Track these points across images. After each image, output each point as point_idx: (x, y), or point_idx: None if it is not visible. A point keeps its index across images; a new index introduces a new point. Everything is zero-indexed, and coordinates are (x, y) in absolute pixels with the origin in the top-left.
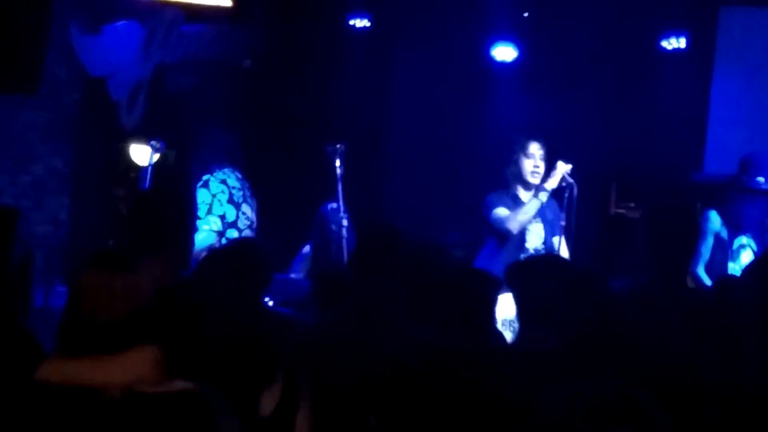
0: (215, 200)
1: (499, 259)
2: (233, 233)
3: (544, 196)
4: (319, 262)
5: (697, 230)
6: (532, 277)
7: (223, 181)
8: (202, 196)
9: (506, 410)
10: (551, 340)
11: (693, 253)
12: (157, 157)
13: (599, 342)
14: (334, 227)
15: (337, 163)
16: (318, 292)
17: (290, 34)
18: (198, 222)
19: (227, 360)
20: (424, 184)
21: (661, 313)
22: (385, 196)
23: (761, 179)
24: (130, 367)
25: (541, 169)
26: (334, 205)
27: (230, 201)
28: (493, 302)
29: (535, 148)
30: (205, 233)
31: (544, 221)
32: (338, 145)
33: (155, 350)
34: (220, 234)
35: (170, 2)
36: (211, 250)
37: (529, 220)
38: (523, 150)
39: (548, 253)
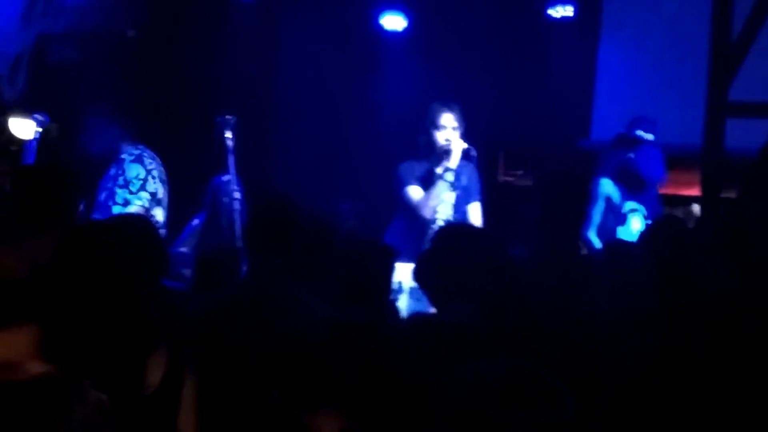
0: (149, 176)
1: (413, 231)
2: (159, 212)
3: (450, 176)
4: (209, 234)
5: (588, 196)
6: (445, 250)
7: (153, 157)
8: (136, 170)
9: (407, 385)
10: (464, 314)
11: (584, 219)
12: (40, 131)
13: (506, 314)
14: (225, 199)
15: (228, 134)
16: (201, 273)
17: (176, 3)
18: (130, 197)
19: (107, 331)
20: (316, 155)
21: (555, 281)
22: (277, 168)
23: (640, 132)
24: (7, 346)
25: (454, 137)
26: (227, 177)
27: (161, 178)
28: (389, 273)
29: (446, 120)
30: (136, 208)
31: (457, 189)
32: (228, 117)
33: (35, 329)
34: (147, 211)
35: None
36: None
37: (440, 200)
38: (433, 122)
39: (460, 224)
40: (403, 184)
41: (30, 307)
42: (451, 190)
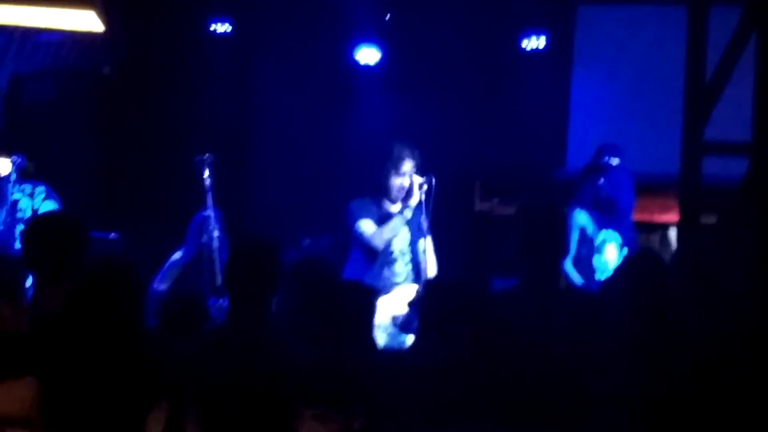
0: None
1: (371, 269)
2: None
3: (408, 213)
4: (190, 272)
5: (567, 228)
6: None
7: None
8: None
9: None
10: (440, 353)
11: (564, 252)
12: (15, 173)
13: (484, 352)
14: (204, 237)
15: (206, 173)
16: (170, 318)
17: (150, 40)
18: None
19: (107, 389)
20: (292, 190)
21: (536, 317)
22: (254, 203)
23: (607, 158)
24: (5, 399)
25: (407, 184)
26: (207, 213)
27: None
28: (371, 313)
29: (407, 167)
30: None
31: (410, 224)
32: (206, 155)
33: (32, 382)
34: None
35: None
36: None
37: (395, 235)
38: (395, 166)
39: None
40: (355, 219)
41: (30, 361)
42: (405, 226)
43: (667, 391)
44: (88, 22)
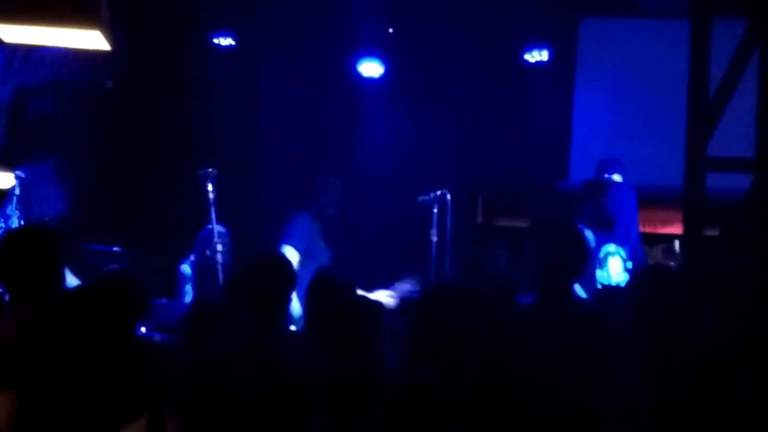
0: None
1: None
2: None
3: None
4: (196, 285)
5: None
6: (423, 310)
7: None
8: None
9: None
10: (439, 373)
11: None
12: (19, 187)
13: (491, 372)
14: (207, 252)
15: (210, 187)
16: (194, 325)
17: (153, 53)
18: None
19: (81, 400)
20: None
21: (553, 333)
22: (259, 216)
23: (608, 175)
24: None
25: None
26: (211, 227)
27: None
28: (380, 328)
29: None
30: None
31: None
32: (209, 169)
33: (10, 397)
34: None
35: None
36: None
37: None
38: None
39: (441, 284)
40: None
41: (13, 373)
42: None
43: (679, 403)
44: (94, 41)
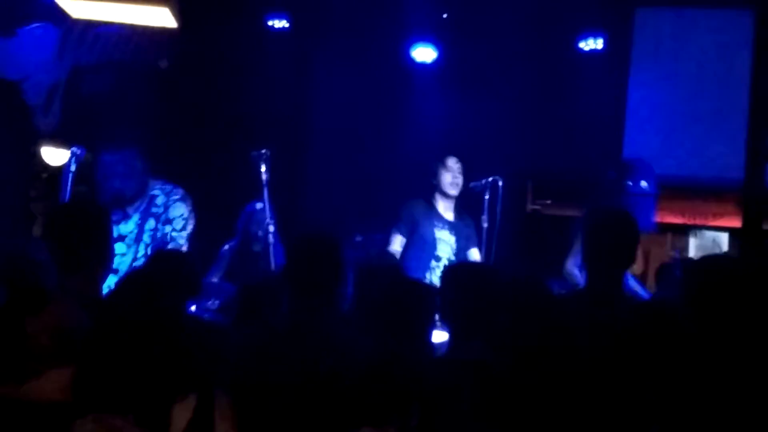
0: (191, 216)
1: (415, 272)
2: (185, 247)
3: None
4: (240, 263)
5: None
6: (460, 287)
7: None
8: (181, 210)
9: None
10: (480, 350)
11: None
12: (75, 164)
13: (536, 352)
14: (260, 232)
15: (263, 168)
16: (243, 305)
17: (208, 34)
18: (175, 234)
19: (137, 375)
20: (346, 186)
21: (599, 323)
22: (308, 198)
23: (644, 183)
24: (41, 390)
25: (460, 182)
26: (259, 204)
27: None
28: (432, 311)
29: (452, 162)
30: (176, 245)
31: (458, 234)
32: (263, 151)
33: (65, 374)
34: (183, 248)
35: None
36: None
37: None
38: (442, 163)
39: (477, 263)
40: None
41: (69, 350)
42: (451, 231)
43: (738, 398)
44: (162, 18)
